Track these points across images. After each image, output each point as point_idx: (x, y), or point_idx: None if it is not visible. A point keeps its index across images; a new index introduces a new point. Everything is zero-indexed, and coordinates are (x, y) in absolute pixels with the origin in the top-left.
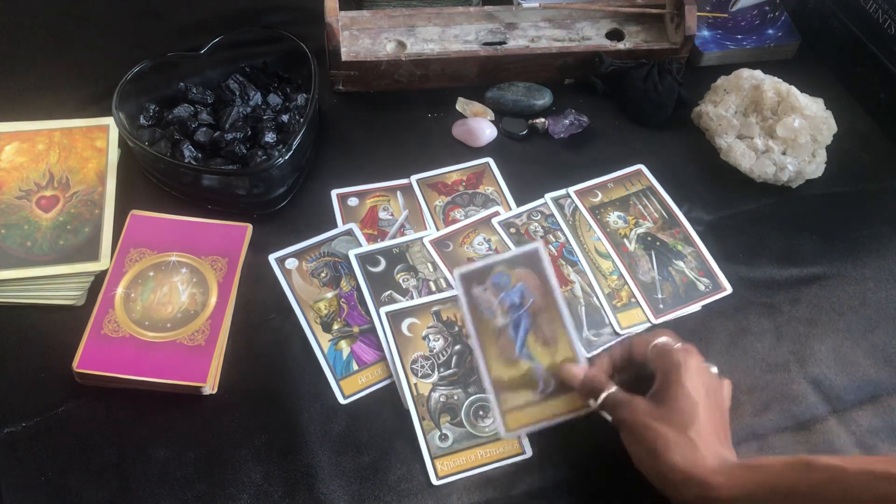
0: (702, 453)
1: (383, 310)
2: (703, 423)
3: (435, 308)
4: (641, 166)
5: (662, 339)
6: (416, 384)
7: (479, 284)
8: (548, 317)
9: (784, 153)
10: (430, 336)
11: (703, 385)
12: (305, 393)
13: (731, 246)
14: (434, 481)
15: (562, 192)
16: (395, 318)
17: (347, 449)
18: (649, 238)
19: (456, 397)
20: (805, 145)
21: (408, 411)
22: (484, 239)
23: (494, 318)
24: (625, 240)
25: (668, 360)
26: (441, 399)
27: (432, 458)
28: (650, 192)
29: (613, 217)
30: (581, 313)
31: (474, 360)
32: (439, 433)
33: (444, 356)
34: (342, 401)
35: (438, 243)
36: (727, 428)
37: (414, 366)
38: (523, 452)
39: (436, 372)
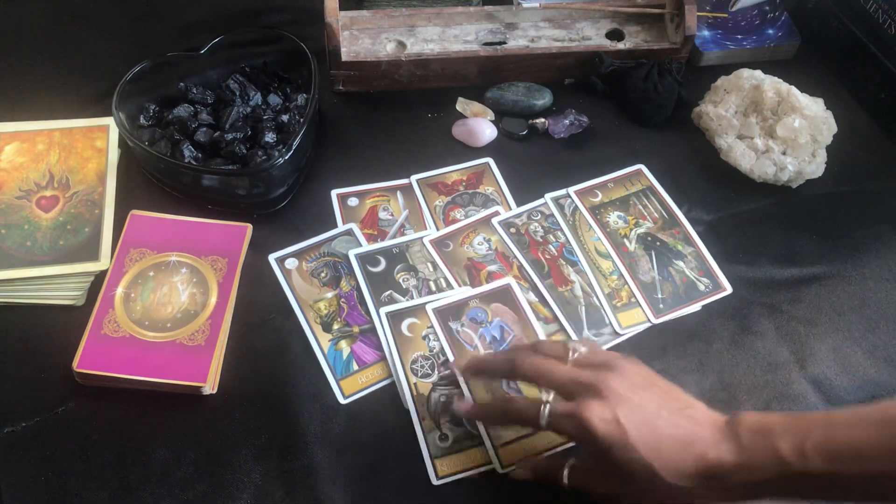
0: (668, 483)
1: (383, 310)
2: (651, 452)
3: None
4: (641, 166)
5: (544, 424)
6: (415, 384)
7: (455, 320)
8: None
9: (784, 153)
10: (430, 336)
11: (619, 420)
12: (305, 393)
13: (731, 246)
14: (434, 481)
15: (562, 192)
16: (395, 318)
17: (347, 449)
18: (649, 238)
19: (456, 397)
20: (805, 145)
21: (408, 411)
22: (484, 238)
23: (477, 353)
24: (625, 240)
25: (567, 433)
26: (441, 399)
27: (432, 458)
28: (650, 192)
29: (613, 217)
30: (581, 313)
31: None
32: (439, 433)
33: (443, 356)
34: (342, 401)
35: (438, 243)
36: (664, 395)
37: (414, 366)
38: None
39: (435, 372)
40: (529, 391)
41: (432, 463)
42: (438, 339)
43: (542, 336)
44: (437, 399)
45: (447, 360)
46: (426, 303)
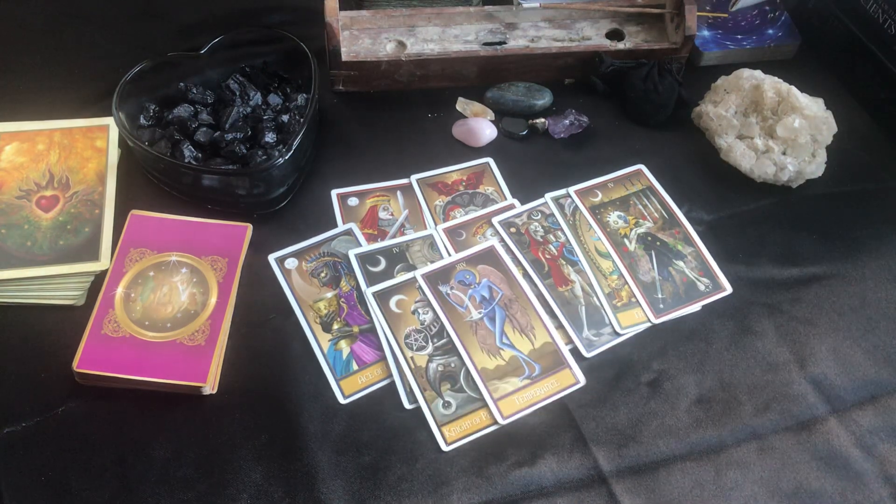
0: None
1: (370, 290)
2: None
3: (420, 284)
4: (641, 166)
5: None
6: (412, 357)
7: (444, 283)
8: (520, 306)
9: (784, 153)
10: (420, 310)
11: None
12: (305, 393)
13: (731, 246)
14: (444, 448)
15: (562, 191)
16: (383, 296)
17: (347, 449)
18: (649, 238)
19: (453, 365)
20: (805, 145)
21: (405, 383)
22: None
23: (468, 313)
24: (625, 240)
25: None
26: (439, 369)
27: (439, 427)
28: (650, 192)
29: (614, 217)
30: (581, 313)
31: (459, 353)
32: (442, 401)
33: (435, 327)
34: (342, 401)
35: (451, 232)
36: None
37: (408, 340)
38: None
39: (430, 343)
40: (520, 343)
41: (440, 430)
42: (429, 311)
43: (528, 290)
44: (435, 369)
45: (441, 327)
46: (412, 277)
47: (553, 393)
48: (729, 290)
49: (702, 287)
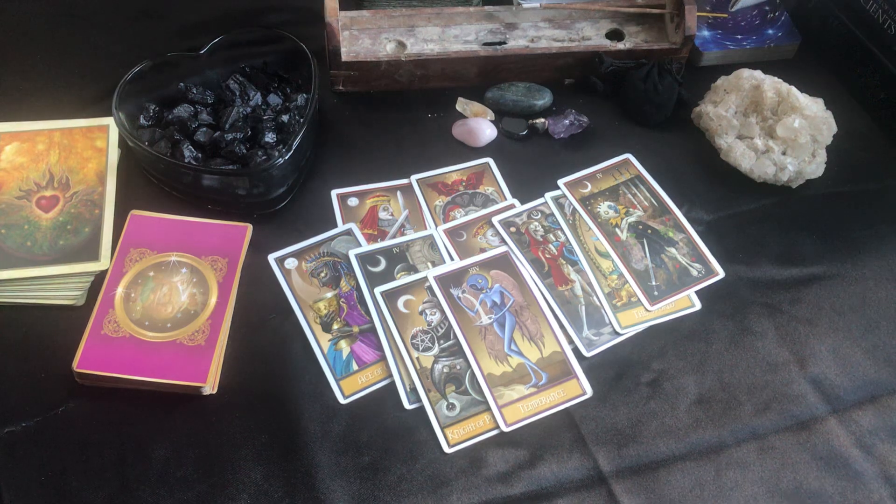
0: None
1: (378, 289)
2: None
3: (428, 285)
4: (629, 155)
5: None
6: (417, 358)
7: (456, 286)
8: (530, 314)
9: (784, 153)
10: (427, 311)
11: None
12: (305, 393)
13: (731, 246)
14: (446, 449)
15: (559, 191)
16: (391, 296)
17: (347, 449)
18: (640, 226)
19: (458, 367)
20: (805, 145)
21: (408, 383)
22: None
23: (478, 317)
24: (616, 229)
25: None
26: (444, 370)
27: (442, 428)
28: (639, 180)
29: (604, 207)
30: (581, 313)
31: (466, 357)
32: (446, 403)
33: (442, 328)
34: (342, 401)
35: (452, 233)
36: None
37: (414, 340)
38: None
39: (436, 344)
40: (529, 351)
41: (443, 432)
42: (436, 312)
43: (540, 298)
44: (440, 370)
45: (448, 329)
46: (421, 278)
47: (559, 403)
48: (721, 274)
49: (694, 273)
